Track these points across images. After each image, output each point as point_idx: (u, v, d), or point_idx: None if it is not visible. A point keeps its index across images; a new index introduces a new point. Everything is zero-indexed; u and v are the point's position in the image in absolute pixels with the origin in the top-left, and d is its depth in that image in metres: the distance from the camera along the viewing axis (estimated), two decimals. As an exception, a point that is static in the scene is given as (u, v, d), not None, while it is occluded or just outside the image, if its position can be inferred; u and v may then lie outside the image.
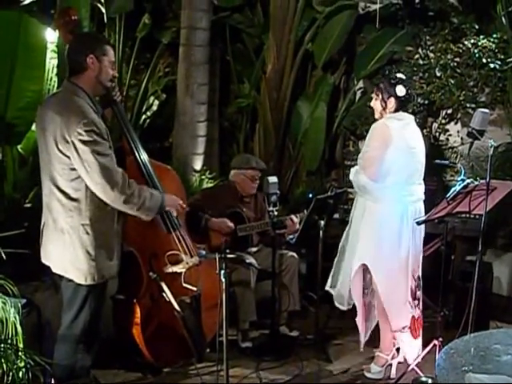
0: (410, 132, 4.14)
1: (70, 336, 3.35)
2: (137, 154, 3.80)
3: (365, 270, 4.18)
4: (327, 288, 4.39)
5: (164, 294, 3.72)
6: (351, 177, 4.23)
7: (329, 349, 4.71)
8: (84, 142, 3.13)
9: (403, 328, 4.14)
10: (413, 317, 4.16)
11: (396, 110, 4.12)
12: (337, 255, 4.37)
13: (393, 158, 4.00)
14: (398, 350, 4.29)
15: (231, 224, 4.66)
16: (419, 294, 4.20)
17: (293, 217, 4.80)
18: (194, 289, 3.77)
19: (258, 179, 4.89)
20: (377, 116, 4.24)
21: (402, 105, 4.13)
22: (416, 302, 4.17)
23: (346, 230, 4.34)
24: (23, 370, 3.10)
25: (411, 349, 4.19)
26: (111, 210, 3.32)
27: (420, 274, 4.22)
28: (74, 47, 3.38)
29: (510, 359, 2.42)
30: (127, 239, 3.66)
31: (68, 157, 3.17)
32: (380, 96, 4.16)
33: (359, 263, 4.13)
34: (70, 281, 3.28)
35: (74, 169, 3.18)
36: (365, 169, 4.09)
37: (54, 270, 3.33)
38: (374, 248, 4.09)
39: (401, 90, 4.09)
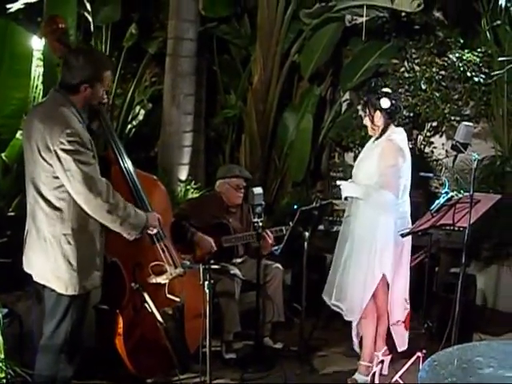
0: (407, 148, 4.23)
1: (51, 346, 3.31)
2: (122, 163, 3.77)
3: None
4: (334, 302, 4.31)
5: (146, 305, 3.69)
6: (352, 194, 4.22)
7: (313, 360, 4.70)
8: (66, 152, 3.12)
9: (397, 322, 4.26)
10: (408, 312, 4.29)
11: (386, 124, 4.15)
12: (339, 268, 4.30)
13: (406, 172, 4.13)
14: (382, 361, 4.30)
15: (214, 246, 4.62)
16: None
17: (268, 231, 4.78)
18: (178, 300, 3.74)
19: (242, 188, 4.88)
20: (370, 132, 4.27)
21: (389, 117, 4.15)
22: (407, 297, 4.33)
23: (345, 244, 4.29)
24: (3, 380, 3.07)
25: (403, 339, 4.31)
26: (95, 221, 3.29)
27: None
28: (71, 68, 3.27)
29: (493, 372, 2.42)
30: (110, 249, 3.64)
31: (51, 165, 3.16)
32: (367, 111, 4.20)
33: (381, 274, 4.16)
34: (53, 290, 3.25)
35: (57, 177, 3.17)
36: (388, 184, 4.08)
37: (36, 279, 3.30)
38: (392, 259, 4.15)
39: (385, 102, 4.11)
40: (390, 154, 4.11)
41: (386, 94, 4.15)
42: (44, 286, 3.29)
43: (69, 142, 3.11)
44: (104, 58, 3.52)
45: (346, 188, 4.24)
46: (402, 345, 4.32)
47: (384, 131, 4.17)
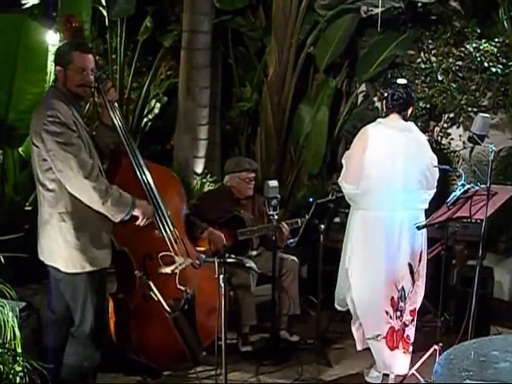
0: (401, 140, 4.01)
1: (80, 334, 3.45)
2: (132, 156, 3.79)
3: None
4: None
5: (152, 294, 3.70)
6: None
7: (329, 353, 4.69)
8: (48, 132, 3.23)
9: (377, 336, 4.06)
10: (391, 327, 4.05)
11: (386, 113, 4.11)
12: None
13: (370, 163, 3.96)
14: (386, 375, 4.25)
15: (225, 241, 4.58)
16: (403, 305, 4.08)
17: (283, 224, 4.77)
18: (187, 290, 3.76)
19: (253, 180, 4.87)
20: None
21: (387, 107, 4.08)
22: (398, 313, 4.07)
23: None
24: (20, 374, 3.11)
25: (386, 359, 4.09)
26: None
27: (407, 286, 4.08)
28: None
29: (509, 366, 2.40)
30: (119, 238, 3.68)
31: (38, 147, 3.28)
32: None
33: (345, 268, 4.17)
34: (65, 276, 3.37)
35: (45, 159, 3.28)
36: (343, 172, 4.10)
37: (46, 262, 3.43)
38: (352, 253, 4.10)
39: (386, 92, 4.11)
40: (355, 140, 4.10)
41: (392, 84, 4.16)
42: (58, 271, 3.39)
43: (50, 122, 3.23)
44: (78, 42, 3.63)
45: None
46: (382, 366, 4.12)
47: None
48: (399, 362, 4.11)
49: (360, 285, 4.08)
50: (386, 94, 4.11)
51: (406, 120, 4.11)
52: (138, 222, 3.55)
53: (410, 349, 4.15)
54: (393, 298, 4.05)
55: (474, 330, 3.74)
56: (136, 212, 3.48)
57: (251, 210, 4.97)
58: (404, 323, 4.11)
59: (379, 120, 4.11)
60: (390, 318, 4.06)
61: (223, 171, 5.11)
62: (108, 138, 3.70)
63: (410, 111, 4.14)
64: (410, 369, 4.13)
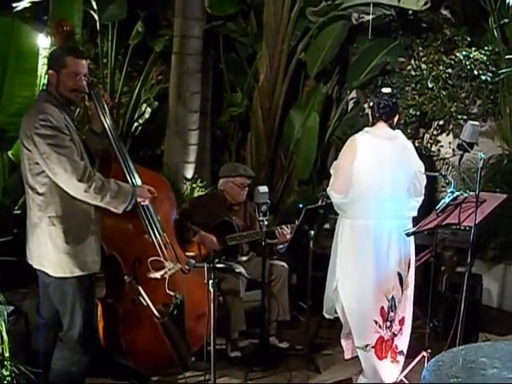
0: (388, 148, 4.01)
1: (69, 338, 3.43)
2: (122, 161, 3.79)
3: None
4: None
5: (141, 298, 3.70)
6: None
7: (318, 359, 4.69)
8: (40, 135, 3.24)
9: (366, 346, 4.03)
10: (380, 337, 4.02)
11: (372, 121, 4.11)
12: None
13: (359, 172, 3.94)
14: None
15: (217, 244, 4.60)
16: (393, 315, 4.04)
17: (284, 227, 4.79)
18: (177, 296, 3.75)
19: (246, 186, 4.88)
20: None
21: (374, 116, 4.09)
22: (388, 323, 4.03)
23: None
24: (8, 378, 3.09)
25: (374, 369, 4.05)
26: (82, 205, 3.37)
27: (397, 296, 4.05)
28: None
29: (496, 373, 2.41)
30: (109, 243, 3.67)
31: (30, 151, 3.28)
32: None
33: (333, 277, 4.16)
34: (54, 281, 3.35)
35: (37, 163, 3.28)
36: (332, 182, 4.10)
37: (35, 266, 3.41)
38: (341, 263, 4.08)
39: (372, 102, 4.12)
40: (343, 149, 4.10)
41: (377, 92, 4.17)
42: (48, 281, 3.37)
43: (42, 125, 3.24)
44: (72, 47, 3.65)
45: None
46: (371, 375, 4.08)
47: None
48: (388, 371, 4.09)
49: (350, 294, 4.06)
50: (372, 104, 4.12)
51: (393, 128, 4.12)
52: (144, 204, 3.70)
53: (398, 357, 4.12)
54: (383, 307, 4.02)
55: (463, 337, 3.76)
56: (138, 199, 3.57)
57: (243, 216, 4.97)
58: (393, 333, 4.09)
59: (366, 129, 4.12)
60: (380, 327, 4.03)
61: (214, 176, 5.11)
62: (98, 144, 3.70)
63: (396, 119, 4.15)
64: (398, 375, 4.14)
